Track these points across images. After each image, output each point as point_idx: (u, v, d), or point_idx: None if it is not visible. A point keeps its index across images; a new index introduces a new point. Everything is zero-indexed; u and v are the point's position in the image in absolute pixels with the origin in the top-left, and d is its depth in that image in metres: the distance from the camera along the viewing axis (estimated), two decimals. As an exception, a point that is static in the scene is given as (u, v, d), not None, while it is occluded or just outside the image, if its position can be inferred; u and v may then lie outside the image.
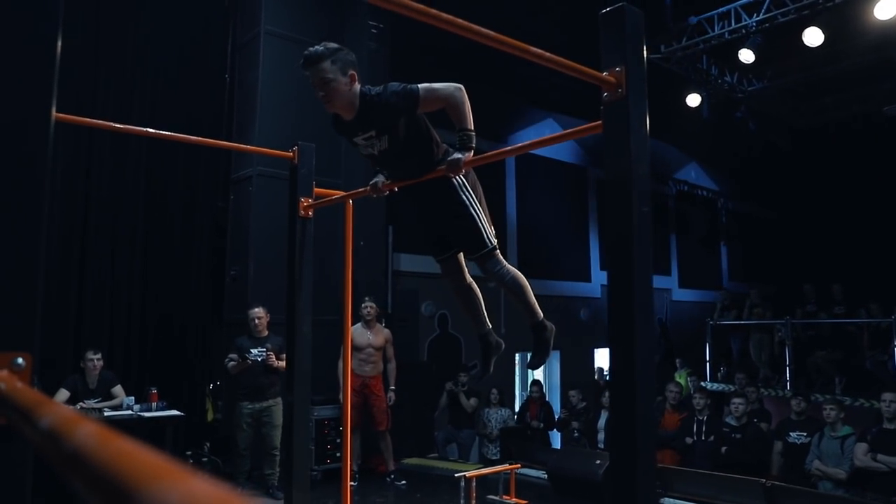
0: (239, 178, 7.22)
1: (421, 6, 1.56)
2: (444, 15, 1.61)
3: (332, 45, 2.57)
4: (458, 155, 2.48)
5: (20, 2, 1.20)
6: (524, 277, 2.80)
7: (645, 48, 2.02)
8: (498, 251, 2.77)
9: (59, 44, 1.23)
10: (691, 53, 7.66)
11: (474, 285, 2.99)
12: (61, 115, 3.39)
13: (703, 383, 10.17)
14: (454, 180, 2.63)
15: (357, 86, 2.57)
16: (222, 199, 7.36)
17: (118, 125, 3.34)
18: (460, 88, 2.51)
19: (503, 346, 2.99)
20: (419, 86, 2.51)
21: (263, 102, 7.03)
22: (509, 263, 2.82)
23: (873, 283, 11.11)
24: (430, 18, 1.58)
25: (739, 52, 7.18)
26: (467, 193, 2.69)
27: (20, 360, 0.97)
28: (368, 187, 2.89)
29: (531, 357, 2.93)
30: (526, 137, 10.54)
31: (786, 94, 9.23)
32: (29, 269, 1.04)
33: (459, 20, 1.62)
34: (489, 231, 2.74)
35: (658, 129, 11.97)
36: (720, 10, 7.18)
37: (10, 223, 1.04)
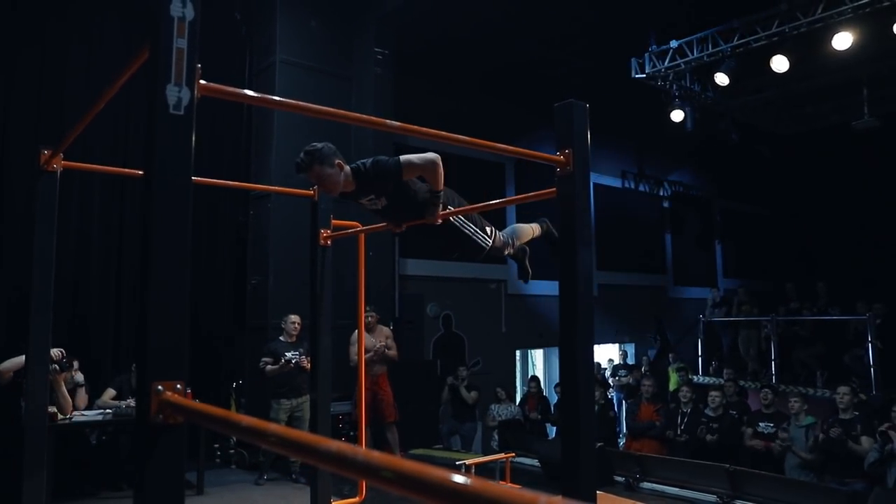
0: (258, 194, 7.89)
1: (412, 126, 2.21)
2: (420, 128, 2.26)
3: (312, 147, 3.01)
4: (431, 212, 3.09)
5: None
6: (517, 225, 3.59)
7: (588, 134, 2.64)
8: (491, 240, 3.41)
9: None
10: (674, 73, 8.28)
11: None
12: (90, 165, 4.03)
13: (693, 377, 10.79)
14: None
15: (347, 168, 3.04)
16: (243, 213, 8.03)
17: (142, 172, 4.02)
18: (435, 161, 3.01)
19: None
20: (400, 159, 3.03)
21: (280, 125, 7.69)
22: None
23: (858, 283, 11.71)
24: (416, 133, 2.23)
25: (715, 75, 7.83)
26: (457, 218, 3.30)
27: (178, 386, 1.64)
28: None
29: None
30: (532, 148, 11.16)
31: (767, 105, 9.82)
32: (181, 324, 1.71)
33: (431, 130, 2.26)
34: (481, 234, 3.37)
35: (652, 135, 12.53)
36: (698, 35, 7.81)
37: (169, 290, 1.70)
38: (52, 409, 5.16)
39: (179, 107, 1.73)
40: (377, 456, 0.83)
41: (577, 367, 2.49)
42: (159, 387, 1.61)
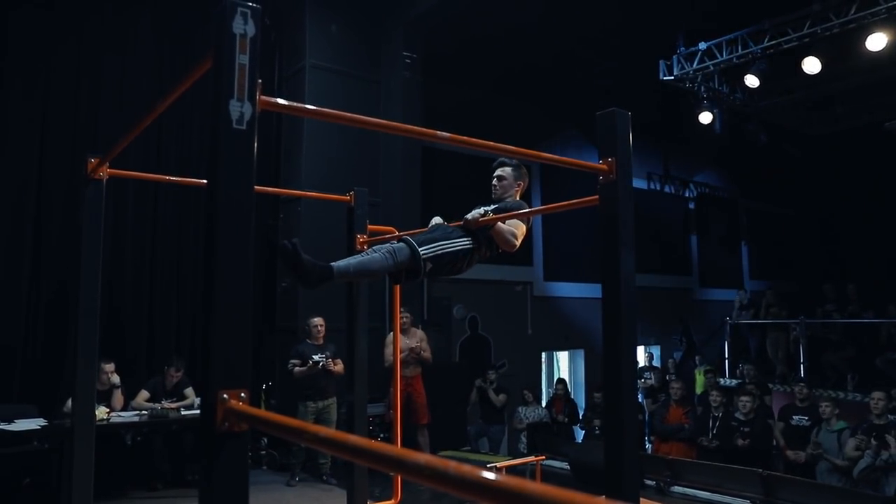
0: (288, 198, 7.97)
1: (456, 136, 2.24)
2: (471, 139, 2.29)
3: (519, 161, 3.49)
4: (477, 212, 3.22)
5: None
6: (374, 270, 3.20)
7: (631, 141, 2.65)
8: (410, 259, 3.10)
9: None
10: (703, 75, 8.23)
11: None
12: (132, 172, 4.13)
13: (719, 380, 10.68)
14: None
15: (519, 194, 3.50)
16: (272, 217, 8.11)
17: (174, 178, 4.12)
18: (514, 245, 3.27)
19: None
20: (516, 220, 3.27)
21: (310, 129, 7.76)
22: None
23: (889, 285, 11.53)
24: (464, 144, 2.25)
25: (745, 77, 7.77)
26: (462, 241, 3.24)
27: (243, 394, 1.68)
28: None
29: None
30: (553, 149, 11.17)
31: (797, 106, 9.73)
32: (245, 333, 1.74)
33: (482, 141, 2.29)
34: (433, 251, 3.14)
35: (678, 136, 12.44)
36: (728, 36, 7.76)
37: (234, 301, 1.74)
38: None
39: (242, 122, 1.77)
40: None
41: (620, 369, 2.50)
42: (224, 395, 1.65)
